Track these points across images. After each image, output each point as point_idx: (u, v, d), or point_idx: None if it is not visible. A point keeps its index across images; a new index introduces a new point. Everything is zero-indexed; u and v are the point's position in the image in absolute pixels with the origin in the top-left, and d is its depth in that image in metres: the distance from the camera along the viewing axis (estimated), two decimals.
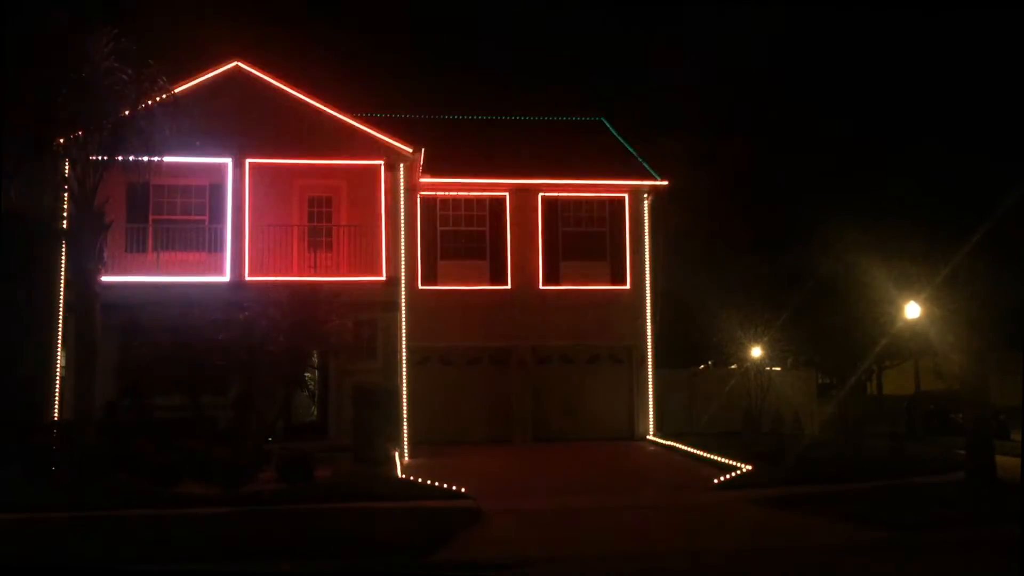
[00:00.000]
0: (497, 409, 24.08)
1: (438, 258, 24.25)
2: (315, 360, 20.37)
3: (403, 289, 21.44)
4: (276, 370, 16.69)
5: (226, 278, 20.63)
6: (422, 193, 23.82)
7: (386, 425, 19.17)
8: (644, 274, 24.74)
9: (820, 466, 18.32)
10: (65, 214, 18.53)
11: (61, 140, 17.56)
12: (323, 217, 22.95)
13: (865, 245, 17.43)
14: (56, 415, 19.23)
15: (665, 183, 24.69)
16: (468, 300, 23.96)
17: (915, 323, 18.08)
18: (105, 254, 17.96)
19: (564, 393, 24.34)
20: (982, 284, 15.77)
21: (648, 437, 23.92)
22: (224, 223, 21.20)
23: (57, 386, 19.67)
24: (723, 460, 19.13)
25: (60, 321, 19.95)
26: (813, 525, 13.18)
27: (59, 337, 19.92)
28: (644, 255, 24.79)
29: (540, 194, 24.47)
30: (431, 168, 23.22)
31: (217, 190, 21.64)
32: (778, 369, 25.55)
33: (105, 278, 18.00)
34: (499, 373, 24.35)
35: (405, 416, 20.79)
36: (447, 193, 24.25)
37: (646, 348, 24.65)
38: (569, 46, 45.84)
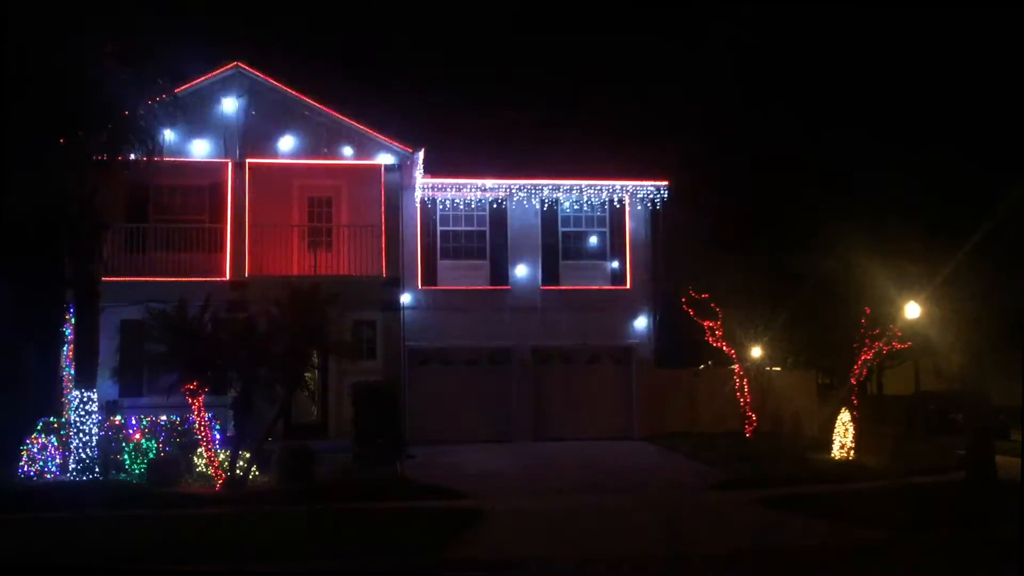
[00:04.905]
0: (497, 409, 24.08)
1: (438, 258, 24.23)
2: (315, 360, 20.35)
3: (403, 289, 21.44)
4: (276, 370, 16.68)
5: (226, 278, 20.66)
6: (422, 193, 23.80)
7: (386, 425, 19.17)
8: (644, 274, 24.74)
9: (819, 466, 18.32)
10: (65, 214, 18.51)
11: (61, 140, 17.57)
12: (323, 217, 22.96)
13: (865, 245, 17.41)
14: (57, 414, 19.21)
15: (665, 183, 24.68)
16: (468, 300, 23.95)
17: (915, 323, 18.08)
18: (105, 254, 17.98)
19: (564, 393, 24.34)
20: (982, 284, 15.75)
21: (648, 437, 23.90)
22: (224, 223, 21.22)
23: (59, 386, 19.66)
24: (723, 460, 19.12)
25: (60, 321, 19.91)
26: (812, 525, 13.17)
27: (59, 337, 19.88)
28: (644, 255, 24.79)
29: (540, 194, 24.45)
30: (431, 168, 23.19)
31: (217, 190, 21.66)
32: (778, 369, 25.53)
33: (105, 278, 18.01)
34: (499, 373, 24.35)
35: (405, 416, 20.79)
36: (447, 193, 24.22)
37: (646, 348, 24.66)
38: (569, 44, 45.84)
